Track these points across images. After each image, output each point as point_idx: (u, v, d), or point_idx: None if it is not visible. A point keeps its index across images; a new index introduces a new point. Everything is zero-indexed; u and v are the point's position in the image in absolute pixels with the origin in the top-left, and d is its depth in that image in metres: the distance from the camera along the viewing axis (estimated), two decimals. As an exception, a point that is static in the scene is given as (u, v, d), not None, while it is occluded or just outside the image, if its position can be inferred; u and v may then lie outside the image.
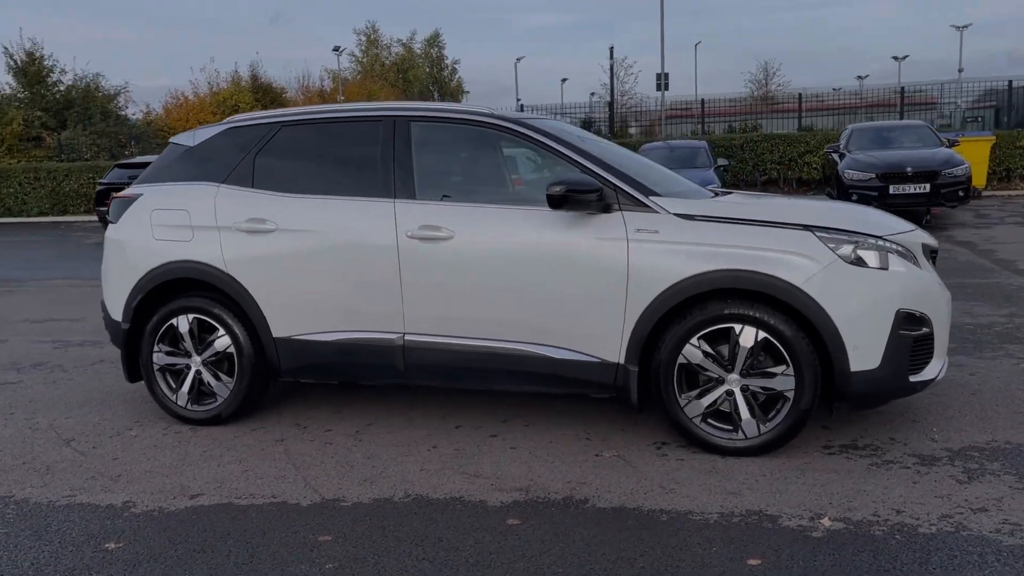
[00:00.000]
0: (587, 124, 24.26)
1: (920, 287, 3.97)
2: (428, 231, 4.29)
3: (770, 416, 3.96)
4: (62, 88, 28.20)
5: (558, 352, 4.17)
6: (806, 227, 3.93)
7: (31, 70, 27.50)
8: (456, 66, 62.11)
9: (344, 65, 53.11)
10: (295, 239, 4.53)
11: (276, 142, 4.75)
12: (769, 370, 3.94)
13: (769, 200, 4.82)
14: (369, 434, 4.54)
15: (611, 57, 24.40)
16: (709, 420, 4.04)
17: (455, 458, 4.13)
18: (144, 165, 18.10)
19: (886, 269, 3.91)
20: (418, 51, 60.41)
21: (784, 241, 3.91)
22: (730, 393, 3.99)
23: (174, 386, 4.82)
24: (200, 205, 4.73)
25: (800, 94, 22.48)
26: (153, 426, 4.80)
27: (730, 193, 5.26)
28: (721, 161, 16.64)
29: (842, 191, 13.94)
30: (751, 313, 3.89)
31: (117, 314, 4.91)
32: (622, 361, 4.08)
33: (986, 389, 4.92)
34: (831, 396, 3.96)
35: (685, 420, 4.06)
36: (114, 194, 5.37)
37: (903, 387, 3.98)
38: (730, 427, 4.01)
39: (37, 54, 28.15)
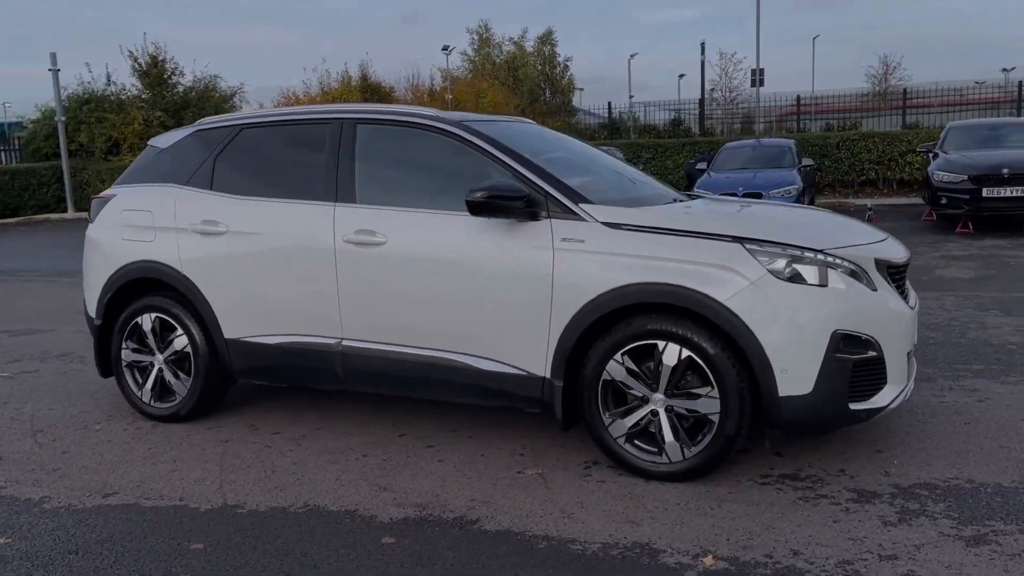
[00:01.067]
0: (676, 122, 23.65)
1: (865, 307, 3.61)
2: (363, 236, 4.23)
3: (696, 440, 3.70)
4: (180, 90, 29.68)
5: (486, 363, 4.03)
6: (737, 239, 3.64)
7: (153, 72, 29.07)
8: (568, 63, 61.92)
9: (456, 64, 53.88)
10: (243, 241, 4.55)
11: (235, 144, 4.79)
12: (694, 391, 3.68)
13: (727, 207, 4.52)
14: (312, 439, 4.51)
15: (702, 53, 23.65)
16: (636, 441, 3.81)
17: (377, 468, 4.05)
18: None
19: (824, 286, 3.57)
20: (530, 49, 60.54)
21: (711, 253, 3.63)
22: (655, 414, 3.75)
23: (140, 382, 4.94)
24: (162, 206, 4.83)
25: (905, 89, 21.19)
26: (120, 421, 4.94)
27: (698, 198, 4.98)
28: (806, 161, 15.89)
29: (932, 194, 13.07)
30: (675, 330, 3.64)
31: (92, 310, 5.07)
32: (548, 375, 3.90)
33: (985, 419, 4.45)
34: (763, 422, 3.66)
35: (609, 440, 3.84)
36: (92, 196, 5.56)
37: (842, 415, 3.63)
38: (655, 450, 3.77)
39: (160, 57, 29.75)
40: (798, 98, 22.78)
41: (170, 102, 28.94)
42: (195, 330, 4.72)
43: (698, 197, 5.15)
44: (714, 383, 3.61)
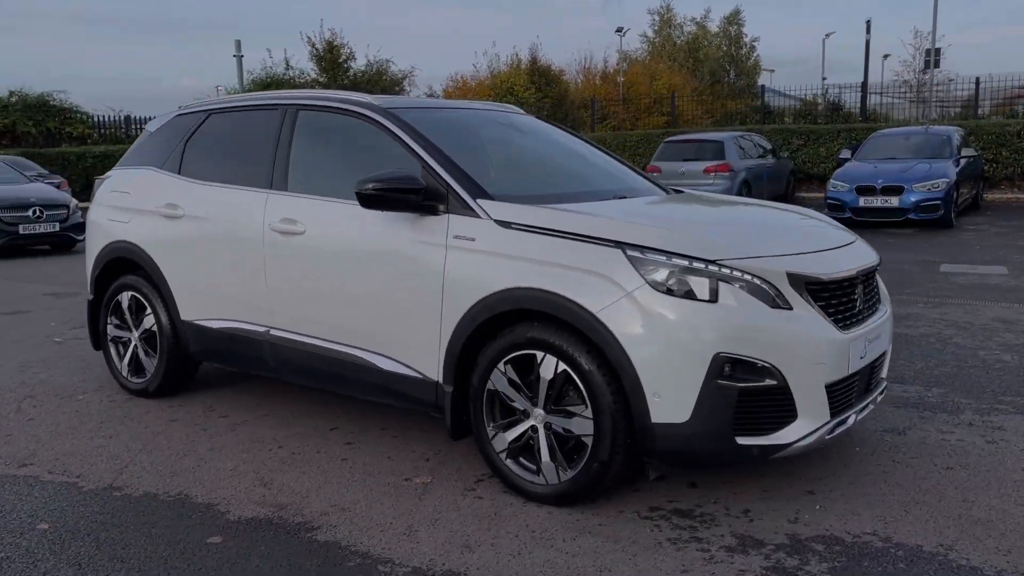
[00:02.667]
0: (835, 107, 21.95)
1: (762, 328, 3.12)
2: (286, 224, 4.16)
3: (572, 463, 3.36)
4: (352, 74, 31.04)
5: (388, 363, 3.86)
6: (618, 244, 3.24)
7: (328, 57, 30.60)
8: (755, 44, 59.31)
9: (635, 46, 52.92)
10: (195, 226, 4.62)
11: (202, 129, 4.86)
12: (571, 409, 3.33)
13: (661, 206, 4.07)
14: (249, 426, 4.52)
15: (868, 32, 21.55)
16: (520, 458, 3.52)
17: (277, 462, 3.99)
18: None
19: (714, 302, 3.11)
20: (714, 29, 58.50)
21: (590, 259, 3.26)
22: (535, 430, 3.44)
23: (120, 356, 5.16)
24: (138, 189, 4.99)
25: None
26: (103, 393, 5.17)
27: (680, 192, 4.56)
28: (968, 152, 14.31)
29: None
30: (553, 341, 3.31)
31: (87, 286, 5.34)
32: (440, 380, 3.68)
33: (975, 467, 3.78)
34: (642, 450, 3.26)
35: (492, 453, 3.57)
36: (96, 176, 5.84)
37: (728, 450, 3.16)
38: (535, 468, 3.47)
39: (335, 42, 31.25)
40: (977, 80, 20.45)
41: (341, 86, 30.32)
42: (160, 310, 4.85)
43: (683, 192, 4.71)
44: (588, 402, 3.25)
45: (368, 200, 3.63)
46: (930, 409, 4.57)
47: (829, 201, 13.85)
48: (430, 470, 3.84)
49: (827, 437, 3.30)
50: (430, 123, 4.10)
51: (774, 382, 3.11)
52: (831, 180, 14.10)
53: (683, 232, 3.30)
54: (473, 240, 3.54)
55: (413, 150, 3.84)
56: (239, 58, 27.39)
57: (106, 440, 4.33)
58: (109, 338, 5.20)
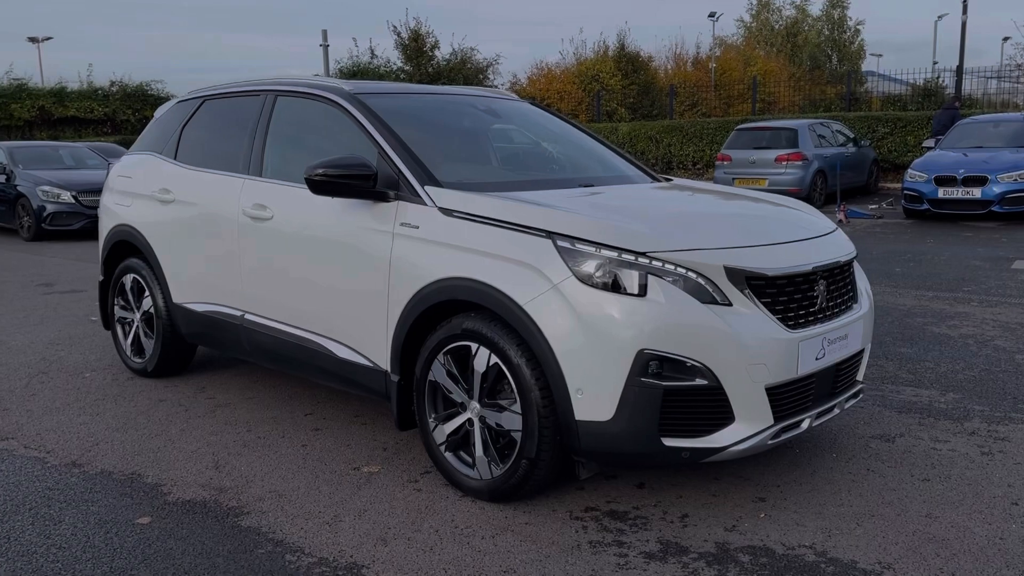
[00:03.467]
0: (927, 92, 20.80)
1: (692, 325, 2.94)
2: (257, 210, 4.18)
3: (504, 459, 3.26)
4: (436, 62, 31.27)
5: (343, 351, 3.84)
6: (549, 234, 3.11)
7: (412, 45, 30.91)
8: (860, 27, 56.94)
9: (731, 31, 51.56)
10: (183, 210, 4.70)
11: (197, 115, 4.94)
12: (502, 403, 3.24)
13: (619, 195, 3.89)
14: (230, 409, 4.58)
15: (964, 12, 20.17)
16: (460, 451, 3.44)
17: (239, 446, 4.02)
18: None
19: (641, 296, 2.96)
20: (815, 13, 56.44)
21: (521, 249, 3.15)
22: (471, 423, 3.36)
23: (125, 336, 5.31)
24: (139, 174, 5.12)
25: None
26: (110, 371, 5.34)
27: (670, 180, 4.38)
28: (1059, 142, 13.36)
29: None
30: (485, 332, 3.21)
31: (99, 267, 5.52)
32: (389, 369, 3.64)
33: (958, 476, 3.50)
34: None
35: (433, 445, 3.50)
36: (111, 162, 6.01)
37: (652, 451, 3.00)
38: (471, 462, 3.39)
39: (420, 31, 31.55)
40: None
41: (424, 74, 30.59)
42: (156, 293, 4.96)
43: (671, 181, 4.52)
44: (517, 397, 3.15)
45: (317, 186, 3.60)
46: (935, 415, 4.27)
47: (906, 192, 13.18)
48: (383, 459, 3.80)
49: (770, 442, 3.10)
50: (397, 109, 4.04)
51: (705, 382, 2.94)
52: (908, 170, 13.40)
53: (616, 223, 3.14)
54: (417, 228, 3.48)
55: (371, 136, 3.79)
56: (325, 48, 28.00)
57: (91, 418, 4.46)
58: (115, 319, 5.36)
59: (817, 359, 3.20)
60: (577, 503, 3.31)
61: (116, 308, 5.34)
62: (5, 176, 13.72)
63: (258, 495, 3.45)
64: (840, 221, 12.94)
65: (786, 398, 3.13)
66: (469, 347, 3.28)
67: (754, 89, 24.52)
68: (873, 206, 15.18)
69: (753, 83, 25.10)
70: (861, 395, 3.69)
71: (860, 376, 3.66)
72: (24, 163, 13.95)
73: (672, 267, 2.98)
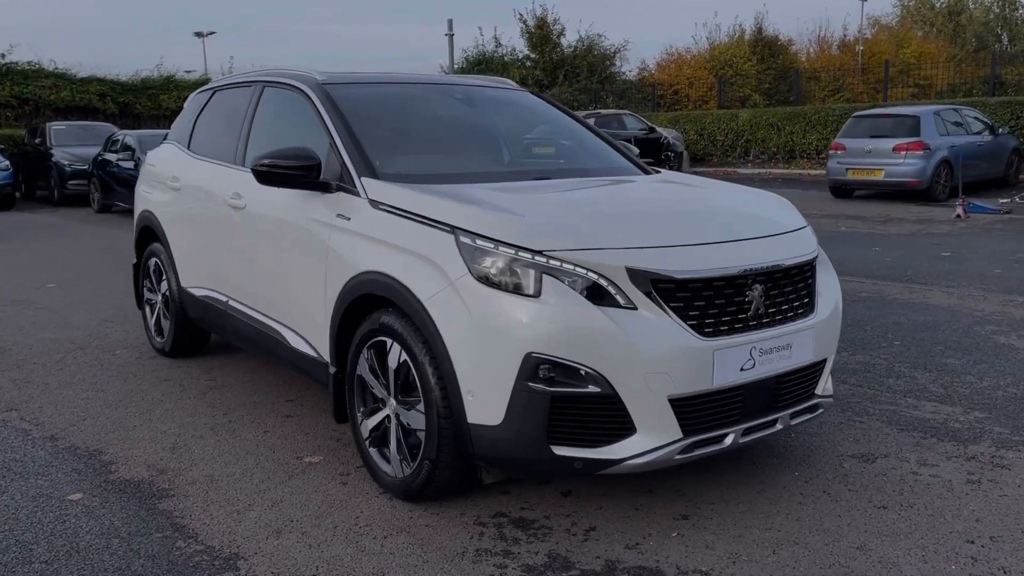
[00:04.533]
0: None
1: (586, 329, 2.76)
2: (235, 199, 4.28)
3: (414, 458, 3.19)
4: (561, 50, 31.11)
5: (295, 339, 3.88)
6: (453, 229, 3.01)
7: (537, 33, 30.89)
8: (1033, 4, 52.42)
9: (886, 11, 48.67)
10: (186, 198, 4.87)
11: (208, 106, 5.09)
12: (410, 400, 3.17)
13: (576, 188, 3.71)
14: (217, 392, 4.71)
15: None
16: (382, 447, 3.40)
17: (203, 428, 4.12)
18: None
19: (535, 297, 2.81)
20: (989, -11, 52.45)
21: (429, 243, 3.06)
22: (389, 420, 3.31)
23: (150, 316, 5.58)
24: (161, 162, 5.34)
25: None
26: (138, 350, 5.62)
27: (659, 172, 4.17)
28: None
29: None
30: (398, 328, 3.15)
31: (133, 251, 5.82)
32: (328, 360, 3.64)
33: (924, 506, 3.17)
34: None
35: (360, 439, 3.47)
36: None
37: (542, 459, 2.84)
38: (388, 459, 3.34)
39: (547, 18, 31.48)
40: None
41: (548, 61, 30.51)
42: (171, 277, 5.17)
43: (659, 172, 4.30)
44: (421, 396, 3.07)
45: (262, 177, 3.63)
46: (941, 435, 3.87)
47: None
48: (330, 450, 3.81)
49: (678, 457, 2.88)
50: (362, 99, 4.02)
51: (598, 390, 2.76)
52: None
53: (517, 219, 2.98)
54: (349, 220, 3.45)
55: (326, 125, 3.79)
56: (450, 37, 28.36)
57: (94, 394, 4.70)
58: (144, 299, 5.62)
59: (744, 370, 2.95)
60: (490, 507, 3.20)
61: (144, 290, 5.60)
62: (133, 163, 14.69)
63: (192, 479, 3.52)
64: (958, 216, 12.00)
65: (698, 411, 2.90)
66: (385, 343, 3.23)
67: (886, 71, 22.99)
68: (1005, 200, 13.95)
69: (885, 66, 23.54)
70: (821, 411, 3.38)
71: (821, 389, 3.35)
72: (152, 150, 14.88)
73: (571, 267, 2.82)
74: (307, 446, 3.86)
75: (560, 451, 2.81)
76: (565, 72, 29.74)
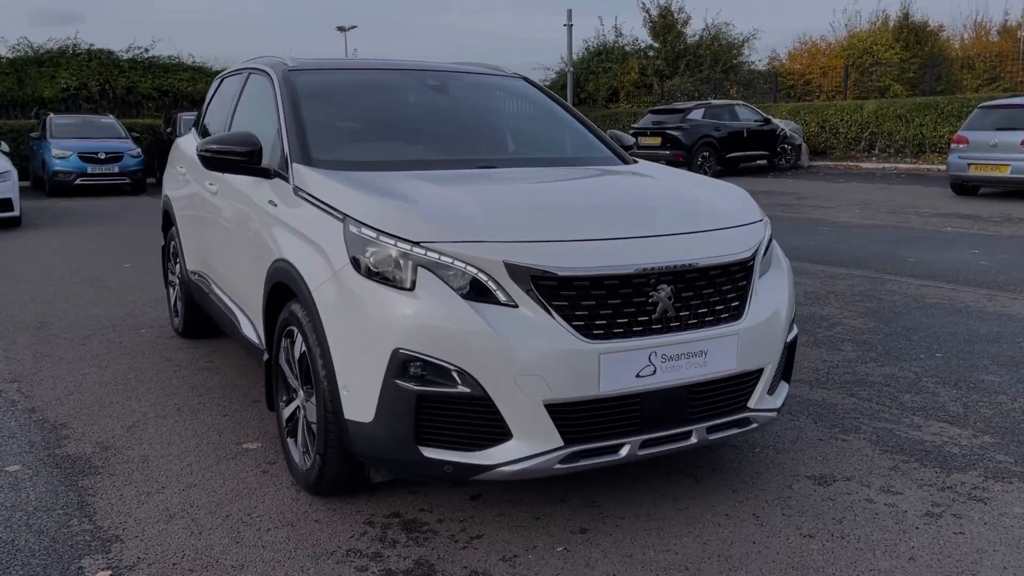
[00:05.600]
0: None
1: (456, 326, 2.60)
2: (210, 185, 4.34)
3: (311, 451, 3.12)
4: (685, 39, 30.28)
5: (246, 324, 3.90)
6: (344, 217, 2.91)
7: (660, 22, 30.20)
8: None
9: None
10: (186, 185, 4.99)
11: (216, 94, 5.19)
12: (310, 391, 3.10)
13: (512, 177, 3.52)
14: (215, 374, 4.79)
15: None
16: (296, 436, 3.35)
17: (174, 409, 4.20)
18: (674, 111, 18.90)
19: (409, 290, 2.68)
20: None
21: (325, 232, 2.98)
22: (300, 410, 3.25)
23: (170, 297, 5.77)
24: (179, 150, 5.49)
25: None
26: (159, 329, 5.83)
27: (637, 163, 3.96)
28: None
29: None
30: (301, 317, 3.09)
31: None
32: (263, 346, 3.63)
33: (860, 538, 2.84)
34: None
35: (281, 428, 3.44)
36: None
37: (412, 461, 2.70)
38: (304, 450, 3.29)
39: (671, 7, 30.74)
40: None
41: (671, 51, 29.80)
42: (182, 259, 5.32)
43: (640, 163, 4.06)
44: (314, 387, 3.00)
45: (207, 162, 3.63)
46: (928, 460, 3.49)
47: None
48: (272, 437, 3.79)
49: (558, 466, 2.68)
50: (323, 86, 3.98)
51: (468, 390, 2.61)
52: None
53: (401, 208, 2.85)
54: (276, 206, 3.42)
55: (278, 112, 3.77)
56: (569, 28, 28.18)
57: (96, 370, 4.88)
58: (168, 281, 5.82)
59: (641, 376, 2.71)
60: (389, 506, 3.09)
61: (168, 272, 5.80)
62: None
63: (127, 458, 3.58)
64: None
65: (582, 419, 2.69)
66: (293, 331, 3.18)
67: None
68: None
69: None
70: (754, 425, 3.08)
71: (756, 402, 3.05)
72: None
73: (449, 260, 2.67)
74: (254, 432, 3.87)
75: (429, 453, 2.67)
76: (687, 62, 28.95)
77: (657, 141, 18.68)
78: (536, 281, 2.64)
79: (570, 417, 2.66)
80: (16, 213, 11.95)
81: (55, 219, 13.00)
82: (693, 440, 2.89)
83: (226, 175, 3.99)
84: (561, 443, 2.66)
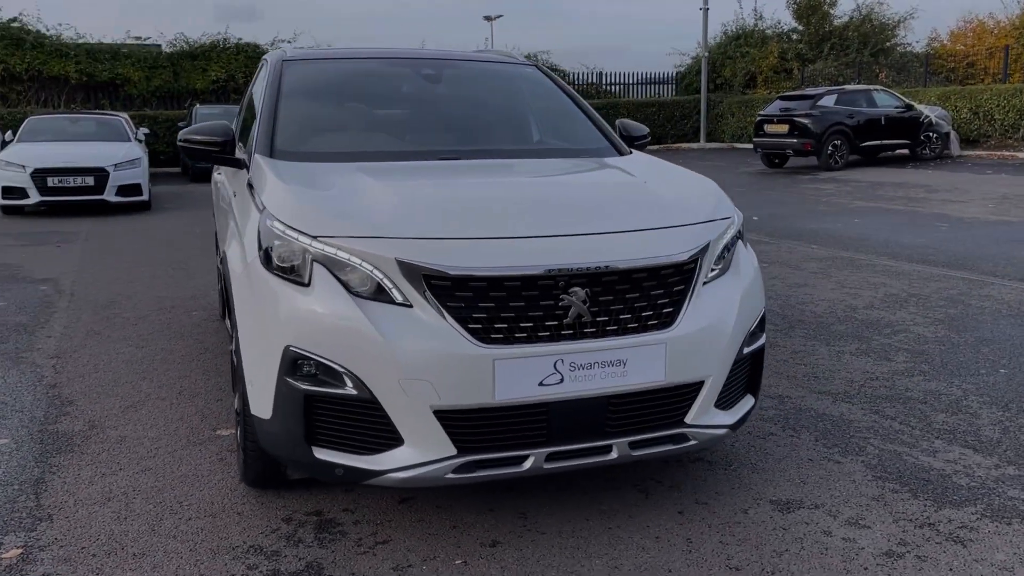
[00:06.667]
0: None
1: (344, 325, 2.51)
2: (217, 175, 4.44)
3: (246, 444, 3.12)
4: (829, 20, 28.58)
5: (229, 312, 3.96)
6: (263, 208, 2.88)
7: (805, 4, 28.63)
8: None
9: None
10: (216, 173, 5.13)
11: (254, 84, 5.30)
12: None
13: (463, 171, 3.38)
14: (211, 356, 4.87)
15: None
16: (244, 427, 3.37)
17: (165, 389, 4.33)
18: (805, 97, 17.97)
19: (305, 286, 2.62)
20: None
21: (250, 223, 2.97)
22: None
23: (218, 283, 5.97)
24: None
25: None
26: (213, 312, 6.05)
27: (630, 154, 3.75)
28: None
29: None
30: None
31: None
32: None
33: (791, 572, 2.56)
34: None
35: (236, 418, 3.47)
36: None
37: (306, 462, 2.63)
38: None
39: (819, -13, 29.10)
40: None
41: (814, 33, 28.29)
42: (216, 245, 5.50)
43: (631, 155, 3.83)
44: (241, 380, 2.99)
45: (186, 152, 3.70)
46: (923, 491, 3.12)
47: None
48: (250, 425, 3.84)
49: (452, 476, 2.55)
50: (309, 76, 3.97)
51: (356, 393, 2.52)
52: None
53: (307, 202, 2.78)
54: (235, 196, 3.44)
55: (263, 102, 3.79)
56: (705, 11, 27.30)
57: (131, 350, 5.10)
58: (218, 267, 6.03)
59: (545, 385, 2.53)
60: (316, 503, 3.04)
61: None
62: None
63: (108, 437, 3.71)
64: None
65: (477, 427, 2.54)
66: (237, 321, 3.18)
67: None
68: None
69: None
70: (693, 443, 2.82)
71: (695, 418, 2.79)
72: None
73: (347, 257, 2.58)
74: (234, 419, 3.91)
75: (321, 454, 2.60)
76: (831, 45, 27.39)
77: (784, 129, 17.77)
78: (429, 281, 2.51)
79: (463, 425, 2.52)
80: (144, 197, 12.75)
81: (185, 204, 13.76)
82: (614, 455, 2.68)
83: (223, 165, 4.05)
84: (454, 452, 2.52)
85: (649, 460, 3.17)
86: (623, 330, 2.63)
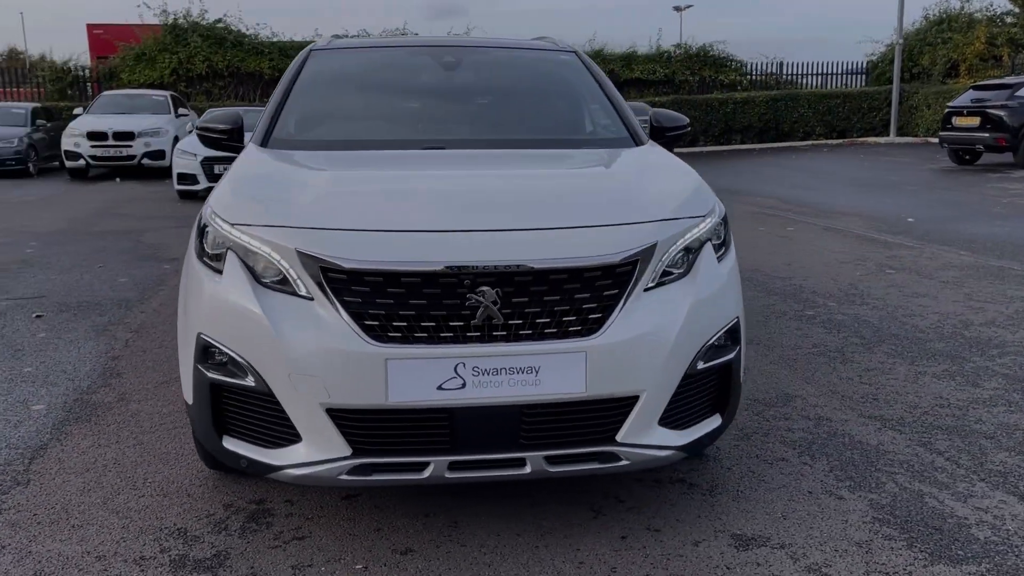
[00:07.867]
0: None
1: (243, 314, 2.47)
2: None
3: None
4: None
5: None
6: (210, 195, 2.90)
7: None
8: None
9: None
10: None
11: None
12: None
13: (440, 162, 3.24)
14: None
15: None
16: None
17: (155, 385, 4.48)
18: (1002, 87, 16.28)
19: (219, 274, 2.60)
20: None
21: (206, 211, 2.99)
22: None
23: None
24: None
25: None
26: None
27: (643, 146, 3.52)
28: None
29: None
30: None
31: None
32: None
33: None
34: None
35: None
36: None
37: (218, 450, 2.61)
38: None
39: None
40: None
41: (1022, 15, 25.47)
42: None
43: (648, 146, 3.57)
44: (193, 362, 3.04)
45: (202, 140, 3.80)
46: (925, 543, 2.69)
47: None
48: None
49: (346, 478, 2.44)
50: (330, 66, 3.97)
51: (254, 384, 2.48)
52: None
53: (236, 189, 2.76)
54: (228, 184, 3.49)
55: (274, 94, 3.84)
56: (902, -4, 25.24)
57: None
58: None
59: (445, 389, 2.38)
60: (262, 492, 3.02)
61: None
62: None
63: (125, 411, 3.88)
64: None
65: (371, 429, 2.42)
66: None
67: None
68: None
69: None
70: (624, 463, 2.55)
71: (627, 436, 2.52)
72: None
73: (257, 245, 2.54)
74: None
75: (229, 444, 2.58)
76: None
77: (975, 122, 16.09)
78: (326, 273, 2.41)
79: (357, 426, 2.41)
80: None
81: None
82: (527, 470, 2.48)
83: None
84: (348, 453, 2.42)
85: (577, 477, 2.92)
86: (539, 335, 2.42)
